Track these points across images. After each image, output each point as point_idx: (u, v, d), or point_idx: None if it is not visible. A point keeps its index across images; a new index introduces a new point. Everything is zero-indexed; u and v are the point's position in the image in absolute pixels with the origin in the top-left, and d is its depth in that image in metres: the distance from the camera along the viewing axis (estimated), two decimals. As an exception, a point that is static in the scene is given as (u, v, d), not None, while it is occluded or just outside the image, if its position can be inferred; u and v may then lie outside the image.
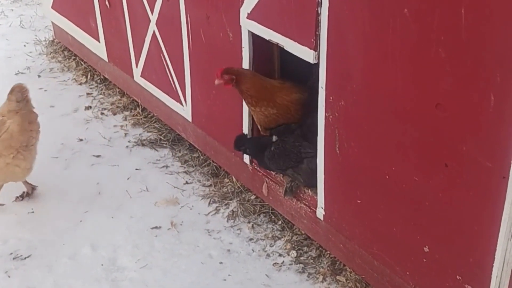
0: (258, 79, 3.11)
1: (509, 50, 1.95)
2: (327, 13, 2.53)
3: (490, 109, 2.06)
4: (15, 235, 3.50)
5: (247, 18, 2.99)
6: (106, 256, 3.35)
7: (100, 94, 4.89)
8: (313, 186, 3.03)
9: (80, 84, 5.04)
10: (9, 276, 3.24)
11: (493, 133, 2.09)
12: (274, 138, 3.15)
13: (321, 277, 3.16)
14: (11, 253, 3.38)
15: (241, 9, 3.01)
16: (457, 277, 2.42)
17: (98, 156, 4.17)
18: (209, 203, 3.70)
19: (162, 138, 4.28)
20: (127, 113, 4.61)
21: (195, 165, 4.00)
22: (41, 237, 3.48)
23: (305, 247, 3.34)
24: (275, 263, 3.26)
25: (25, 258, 3.35)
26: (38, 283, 3.20)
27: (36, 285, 3.19)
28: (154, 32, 3.87)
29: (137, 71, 4.27)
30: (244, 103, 3.24)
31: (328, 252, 3.22)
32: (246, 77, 3.08)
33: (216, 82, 3.08)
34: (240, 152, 3.43)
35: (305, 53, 2.71)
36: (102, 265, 3.29)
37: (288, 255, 3.30)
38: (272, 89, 3.11)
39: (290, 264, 3.25)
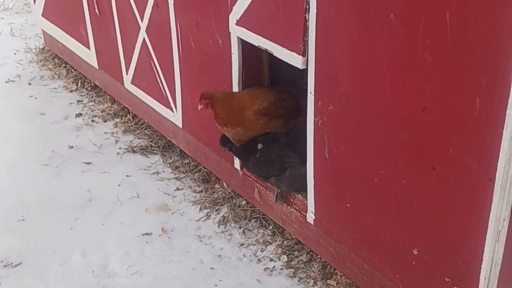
0: (228, 101, 3.14)
1: (493, 54, 1.98)
2: (315, 19, 2.56)
3: (475, 112, 2.09)
4: (6, 243, 3.49)
5: (236, 24, 3.01)
6: (97, 263, 3.35)
7: (91, 101, 4.89)
8: (298, 190, 3.07)
9: (71, 91, 5.05)
10: (0, 284, 3.23)
11: (479, 136, 2.11)
12: (260, 145, 3.18)
13: (312, 282, 3.17)
14: (2, 261, 3.37)
15: (230, 16, 3.03)
16: (446, 279, 2.44)
17: (88, 163, 4.17)
18: (200, 209, 3.71)
19: (153, 144, 4.29)
20: (117, 120, 4.62)
21: (186, 171, 4.01)
22: (32, 245, 3.48)
23: (296, 252, 3.35)
24: (266, 268, 3.28)
25: (16, 265, 3.35)
26: (29, 291, 3.20)
27: (27, 293, 3.19)
28: (144, 39, 3.88)
29: (127, 78, 4.28)
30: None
31: (319, 256, 3.23)
32: (217, 101, 3.12)
33: (199, 107, 3.14)
34: (228, 153, 3.43)
35: (293, 59, 2.73)
36: (93, 272, 3.29)
37: (279, 259, 3.32)
38: (241, 109, 3.13)
39: (281, 269, 3.26)
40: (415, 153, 2.37)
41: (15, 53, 5.68)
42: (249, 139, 3.26)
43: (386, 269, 2.72)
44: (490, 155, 2.09)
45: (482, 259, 2.26)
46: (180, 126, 3.86)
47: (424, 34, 2.15)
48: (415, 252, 2.53)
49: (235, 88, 3.24)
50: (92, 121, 4.63)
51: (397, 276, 2.67)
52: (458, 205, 2.28)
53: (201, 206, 3.72)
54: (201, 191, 3.84)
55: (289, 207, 3.21)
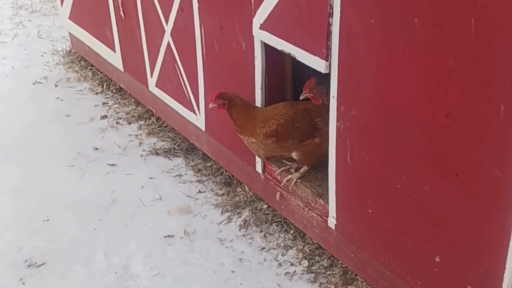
0: (247, 109, 3.15)
1: (518, 60, 1.95)
2: (338, 24, 2.55)
3: (500, 118, 2.06)
4: (30, 243, 3.54)
5: (260, 28, 3.02)
6: (120, 264, 3.37)
7: (116, 103, 4.94)
8: None
9: (96, 93, 5.10)
10: (23, 284, 3.27)
11: (503, 143, 2.09)
12: None
13: (332, 287, 3.15)
14: (26, 261, 3.42)
15: (254, 20, 3.04)
16: (468, 287, 2.41)
17: (113, 165, 4.21)
18: (222, 212, 3.72)
19: (176, 147, 4.32)
20: (142, 122, 4.65)
21: (208, 174, 4.03)
22: (56, 245, 3.52)
23: (317, 257, 3.34)
24: (286, 272, 3.27)
25: (39, 265, 3.39)
26: (52, 290, 3.24)
27: (50, 292, 3.23)
28: (168, 42, 3.91)
29: (152, 81, 4.31)
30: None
31: (340, 261, 3.22)
32: (236, 106, 3.14)
33: (210, 105, 3.17)
34: (250, 157, 3.44)
35: (316, 63, 2.72)
36: (115, 273, 3.32)
37: (300, 264, 3.31)
38: (256, 122, 3.14)
39: (301, 274, 3.25)
40: (438, 159, 2.35)
41: (42, 55, 5.76)
42: (266, 157, 3.26)
43: (407, 276, 2.70)
44: (514, 162, 2.07)
45: (505, 267, 2.23)
46: (203, 129, 3.88)
47: (449, 39, 2.13)
48: (437, 259, 2.50)
49: (258, 92, 3.25)
50: (117, 123, 4.68)
51: (419, 283, 2.65)
52: (481, 212, 2.25)
53: (222, 209, 3.73)
54: (223, 194, 3.85)
55: (310, 211, 3.20)
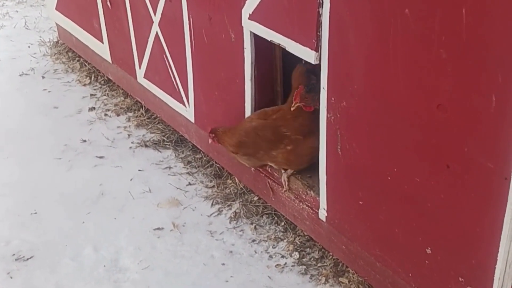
0: (225, 135, 3.31)
1: (510, 51, 1.93)
2: (328, 14, 2.52)
3: (491, 109, 2.05)
4: (18, 236, 3.50)
5: (249, 19, 2.99)
6: (108, 257, 3.34)
7: (104, 95, 4.89)
8: None
9: (84, 85, 5.05)
10: (11, 277, 3.24)
11: (495, 134, 2.07)
12: None
13: (323, 279, 3.14)
14: (14, 254, 3.38)
15: (243, 10, 3.01)
16: (460, 279, 2.40)
17: (101, 157, 4.17)
18: (212, 204, 3.69)
19: (165, 139, 4.28)
20: (130, 114, 4.61)
21: (198, 166, 4.00)
22: (44, 238, 3.48)
23: (308, 249, 3.33)
24: (277, 265, 3.25)
25: (27, 259, 3.35)
26: (40, 284, 3.20)
27: (38, 286, 3.18)
28: (157, 33, 3.87)
29: (140, 72, 4.27)
30: (245, 105, 3.30)
31: (331, 253, 3.21)
32: (218, 135, 3.34)
33: (210, 141, 3.39)
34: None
35: (306, 54, 2.70)
36: (104, 266, 3.29)
37: (291, 256, 3.29)
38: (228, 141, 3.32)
39: (292, 266, 3.24)
40: (429, 150, 2.33)
41: (29, 46, 5.69)
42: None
43: (398, 268, 2.69)
44: (506, 153, 2.05)
45: (497, 259, 2.22)
46: (193, 121, 3.85)
47: (440, 30, 2.11)
48: (428, 251, 2.50)
49: (247, 83, 3.22)
50: (105, 115, 4.63)
51: (410, 275, 2.64)
52: (472, 204, 2.24)
53: (212, 202, 3.70)
54: (213, 186, 3.82)
55: (301, 203, 3.19)
